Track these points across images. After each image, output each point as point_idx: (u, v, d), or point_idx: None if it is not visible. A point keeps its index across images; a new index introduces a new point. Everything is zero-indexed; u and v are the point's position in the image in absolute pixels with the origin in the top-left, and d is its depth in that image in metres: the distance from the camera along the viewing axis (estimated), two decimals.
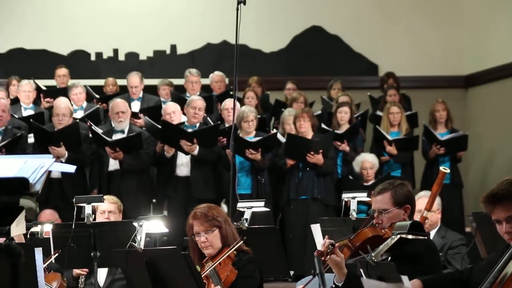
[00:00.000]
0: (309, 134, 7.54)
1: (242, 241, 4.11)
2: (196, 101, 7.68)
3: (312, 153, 7.30)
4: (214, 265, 4.01)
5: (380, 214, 3.82)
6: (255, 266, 4.13)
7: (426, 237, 3.66)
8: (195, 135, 7.35)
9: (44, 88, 8.92)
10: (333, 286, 3.61)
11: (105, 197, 5.47)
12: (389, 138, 7.92)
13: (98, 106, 8.64)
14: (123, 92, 8.94)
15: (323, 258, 3.44)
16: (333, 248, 3.47)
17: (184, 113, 7.90)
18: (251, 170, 7.45)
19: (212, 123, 7.83)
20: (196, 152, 7.37)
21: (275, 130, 8.07)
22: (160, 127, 7.57)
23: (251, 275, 4.08)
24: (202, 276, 3.96)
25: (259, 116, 7.88)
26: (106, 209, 5.49)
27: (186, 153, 7.40)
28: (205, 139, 7.39)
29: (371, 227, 3.76)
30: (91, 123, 7.79)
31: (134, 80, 8.75)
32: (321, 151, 7.35)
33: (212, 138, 7.43)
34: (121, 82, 9.37)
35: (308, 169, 7.43)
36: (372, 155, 7.87)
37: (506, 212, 3.09)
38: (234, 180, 6.51)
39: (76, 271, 5.35)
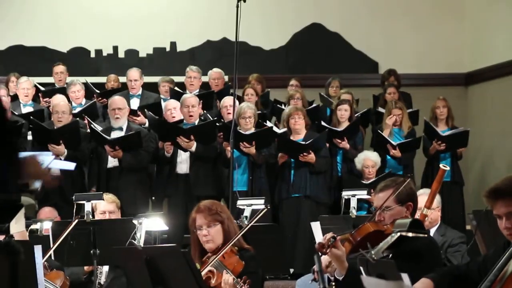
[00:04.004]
0: (303, 132, 7.53)
1: (246, 228, 4.11)
2: (188, 99, 7.63)
3: (304, 154, 7.29)
4: (218, 257, 4.01)
5: (382, 211, 3.81)
6: (258, 263, 4.13)
7: (426, 235, 3.66)
8: (191, 132, 7.33)
9: (42, 88, 8.89)
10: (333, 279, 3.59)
11: (103, 196, 5.47)
12: (393, 143, 7.89)
13: (95, 100, 8.62)
14: (125, 89, 8.93)
15: (324, 250, 3.41)
16: (335, 241, 3.43)
17: None
18: (248, 166, 7.43)
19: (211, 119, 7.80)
20: (193, 148, 7.35)
21: (270, 124, 8.04)
22: (168, 122, 7.58)
23: (255, 271, 4.09)
24: (207, 270, 3.96)
25: (259, 111, 7.86)
26: (106, 209, 5.48)
27: (185, 150, 7.39)
28: (202, 135, 7.36)
29: (372, 222, 3.75)
30: (89, 119, 7.78)
31: (134, 74, 8.73)
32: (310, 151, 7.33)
33: (210, 134, 7.40)
34: (122, 79, 9.35)
35: (300, 164, 7.40)
36: (375, 153, 7.85)
37: (507, 207, 3.11)
38: (233, 177, 6.51)
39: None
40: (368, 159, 7.68)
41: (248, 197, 6.28)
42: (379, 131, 8.09)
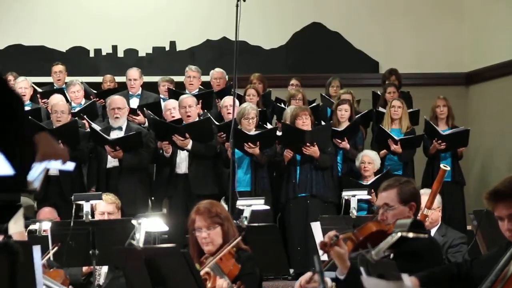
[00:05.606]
0: None
1: (240, 237, 4.10)
2: (185, 99, 7.60)
3: (308, 144, 7.27)
4: (215, 259, 4.00)
5: (385, 211, 3.79)
6: (255, 263, 4.11)
7: (426, 235, 3.64)
8: (186, 130, 7.32)
9: (39, 90, 8.87)
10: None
11: (102, 196, 5.45)
12: (395, 137, 7.88)
13: (94, 99, 8.60)
14: (121, 88, 8.91)
15: (326, 249, 3.39)
16: (337, 239, 3.41)
17: None
18: (250, 166, 7.41)
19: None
20: (189, 146, 7.33)
21: (271, 126, 8.03)
22: (162, 121, 7.56)
23: (251, 272, 4.07)
24: (203, 271, 3.94)
25: (259, 109, 7.84)
26: (105, 210, 5.47)
27: (181, 148, 7.38)
28: (198, 133, 7.34)
29: (375, 221, 3.72)
30: (88, 120, 7.76)
31: (134, 73, 8.72)
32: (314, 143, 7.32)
33: (207, 132, 7.38)
34: (119, 79, 9.33)
35: (305, 164, 7.39)
36: (375, 152, 7.84)
37: (508, 209, 3.10)
38: (233, 177, 6.49)
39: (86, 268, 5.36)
40: (365, 155, 7.68)
41: (248, 197, 6.26)
42: (381, 125, 8.08)
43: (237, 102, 7.20)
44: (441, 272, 3.45)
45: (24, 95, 8.50)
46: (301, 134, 7.32)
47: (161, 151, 7.57)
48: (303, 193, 7.37)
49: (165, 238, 6.66)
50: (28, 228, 5.44)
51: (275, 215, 7.50)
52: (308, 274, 3.49)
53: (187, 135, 7.29)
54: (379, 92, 9.25)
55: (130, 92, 8.71)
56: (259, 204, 5.44)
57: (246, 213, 5.13)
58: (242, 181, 7.32)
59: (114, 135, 7.48)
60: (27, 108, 8.36)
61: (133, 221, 4.92)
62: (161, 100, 8.64)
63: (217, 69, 9.13)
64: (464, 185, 8.26)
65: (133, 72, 8.74)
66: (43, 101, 8.64)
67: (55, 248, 4.93)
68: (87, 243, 4.99)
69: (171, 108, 7.83)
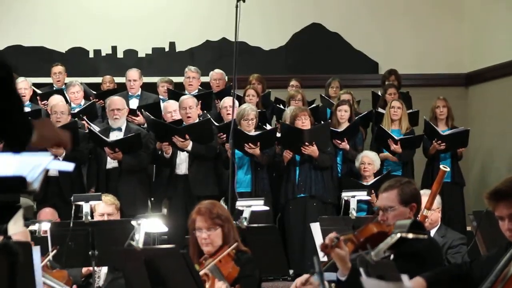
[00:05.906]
0: None
1: (237, 242, 4.11)
2: (185, 100, 7.60)
3: (307, 144, 7.27)
4: (215, 262, 4.00)
5: (385, 212, 3.78)
6: (254, 265, 4.11)
7: (426, 236, 3.64)
8: (186, 131, 7.32)
9: (39, 91, 8.86)
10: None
11: (102, 197, 5.45)
12: (395, 137, 7.87)
13: (94, 100, 8.60)
14: (121, 89, 8.90)
15: (327, 250, 3.39)
16: (338, 241, 3.41)
17: None
18: (251, 167, 7.41)
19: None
20: (189, 148, 7.33)
21: (271, 127, 8.02)
22: (161, 122, 7.56)
23: (251, 274, 4.07)
24: (202, 273, 3.94)
25: (259, 110, 7.85)
26: (105, 212, 5.47)
27: (181, 149, 7.38)
28: (198, 134, 7.33)
29: (376, 223, 3.72)
30: (87, 121, 7.76)
31: (133, 74, 8.71)
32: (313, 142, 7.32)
33: (206, 133, 7.37)
34: (118, 80, 9.33)
35: (305, 164, 7.38)
36: (374, 153, 7.84)
37: (509, 209, 3.11)
38: (233, 178, 6.49)
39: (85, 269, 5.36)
40: (365, 156, 7.68)
41: (248, 198, 6.26)
42: (381, 125, 8.07)
43: (236, 103, 7.20)
44: (442, 273, 3.45)
45: (24, 96, 8.49)
46: (299, 133, 7.31)
47: (160, 152, 7.57)
48: (302, 194, 7.37)
49: (164, 239, 6.66)
50: (28, 229, 5.44)
51: (275, 215, 7.50)
52: (304, 276, 3.49)
53: (187, 136, 7.29)
54: (379, 93, 9.25)
55: (129, 93, 8.71)
56: (258, 204, 5.43)
57: (246, 214, 5.13)
58: (242, 182, 7.32)
59: (114, 136, 7.49)
60: (27, 109, 8.36)
61: (133, 222, 4.91)
62: (161, 101, 8.65)
63: (217, 70, 9.13)
64: (464, 186, 8.25)
65: (133, 73, 8.74)
66: (42, 102, 8.64)
67: (54, 251, 4.92)
68: (87, 244, 4.99)
69: (171, 111, 7.81)
